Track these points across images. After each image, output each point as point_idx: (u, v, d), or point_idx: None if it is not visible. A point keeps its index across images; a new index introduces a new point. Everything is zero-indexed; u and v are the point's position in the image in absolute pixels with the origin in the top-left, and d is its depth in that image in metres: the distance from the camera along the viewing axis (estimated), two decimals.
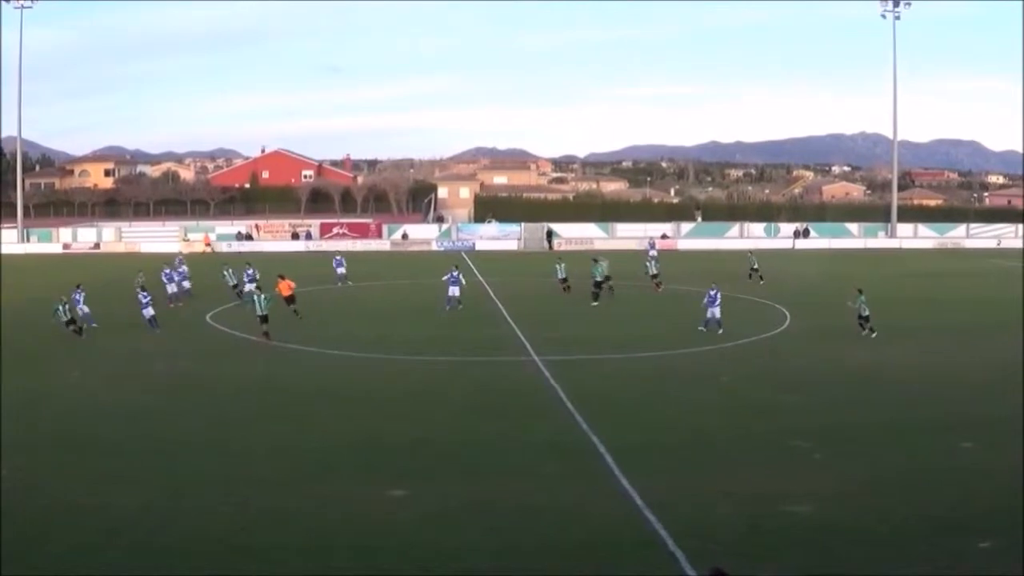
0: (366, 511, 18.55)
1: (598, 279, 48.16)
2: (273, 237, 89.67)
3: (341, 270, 57.90)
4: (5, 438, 23.02)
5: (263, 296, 38.41)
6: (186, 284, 50.58)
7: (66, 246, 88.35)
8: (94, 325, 40.43)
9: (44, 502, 18.75)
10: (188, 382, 30.72)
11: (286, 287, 42.43)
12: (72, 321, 38.43)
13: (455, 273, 45.82)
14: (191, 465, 21.43)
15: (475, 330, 40.31)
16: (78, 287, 41.80)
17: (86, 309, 41.09)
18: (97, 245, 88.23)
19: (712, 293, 39.05)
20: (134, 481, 20.24)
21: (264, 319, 37.37)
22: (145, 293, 41.04)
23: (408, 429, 24.44)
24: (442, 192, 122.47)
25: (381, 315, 45.64)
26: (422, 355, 34.89)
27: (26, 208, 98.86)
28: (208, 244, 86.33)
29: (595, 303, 46.97)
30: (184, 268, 53.21)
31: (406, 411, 26.70)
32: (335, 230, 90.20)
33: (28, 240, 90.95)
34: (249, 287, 45.58)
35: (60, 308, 38.14)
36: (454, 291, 44.99)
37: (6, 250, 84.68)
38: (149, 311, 40.23)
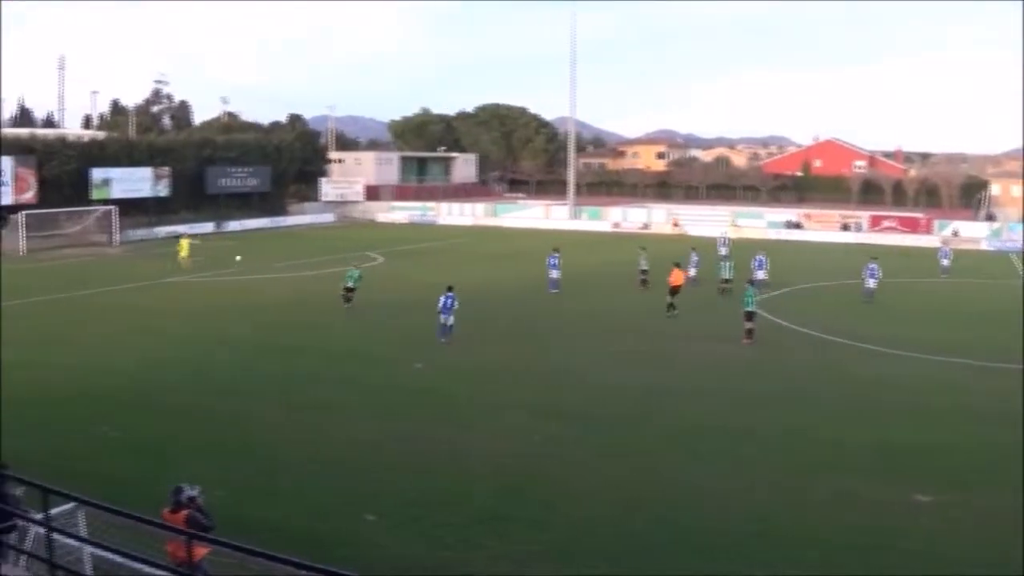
0: (886, 512, 18.38)
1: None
2: (822, 227, 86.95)
3: (945, 262, 56.32)
4: (543, 407, 25.94)
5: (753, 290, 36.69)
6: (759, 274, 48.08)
7: (615, 225, 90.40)
8: (555, 291, 45.38)
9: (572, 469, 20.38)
10: (723, 366, 31.64)
11: (677, 277, 41.58)
12: (351, 289, 41.25)
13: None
14: (714, 446, 22.56)
15: (1000, 334, 37.37)
16: (555, 250, 47.38)
17: (555, 275, 45.97)
18: (646, 226, 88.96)
19: None
20: (661, 456, 21.76)
21: (749, 316, 35.50)
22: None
23: (928, 432, 24.02)
24: (994, 189, 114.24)
25: (908, 313, 43.36)
26: (940, 356, 33.05)
27: (577, 187, 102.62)
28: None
29: None
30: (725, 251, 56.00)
31: (924, 412, 25.91)
32: (885, 223, 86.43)
33: (578, 217, 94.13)
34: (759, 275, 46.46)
35: (354, 273, 41.93)
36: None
37: (558, 226, 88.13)
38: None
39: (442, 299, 34.33)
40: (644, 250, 50.19)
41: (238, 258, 58.27)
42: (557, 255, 47.13)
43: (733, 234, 79.47)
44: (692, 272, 48.97)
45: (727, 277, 46.42)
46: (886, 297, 45.63)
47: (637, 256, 49.77)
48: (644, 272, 48.14)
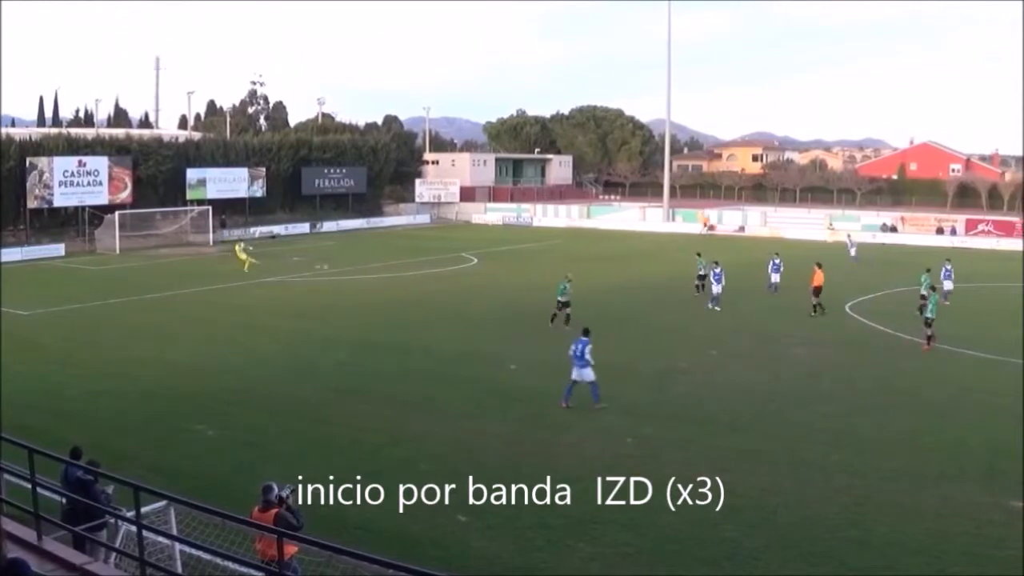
0: (984, 519, 17.99)
1: None
2: (917, 230, 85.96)
3: None
4: (640, 408, 25.82)
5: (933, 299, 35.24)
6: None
7: (711, 228, 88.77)
8: (717, 308, 41.88)
9: (667, 471, 19.70)
10: (823, 369, 31.09)
11: (819, 277, 41.18)
12: (566, 304, 37.49)
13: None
14: (815, 450, 22.17)
15: None
16: (715, 263, 43.84)
17: (717, 289, 42.50)
18: (741, 228, 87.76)
19: None
20: (759, 460, 21.36)
21: (928, 323, 34.38)
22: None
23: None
24: None
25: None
26: None
27: (672, 189, 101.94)
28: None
29: None
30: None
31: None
32: (980, 227, 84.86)
33: (673, 220, 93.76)
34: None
35: (565, 286, 37.98)
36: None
37: (653, 228, 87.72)
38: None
39: (573, 346, 25.70)
40: (700, 256, 48.07)
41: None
42: (720, 269, 43.37)
43: (830, 238, 78.23)
44: (775, 278, 46.93)
45: (925, 293, 38.79)
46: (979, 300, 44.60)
47: (695, 261, 47.55)
48: (701, 278, 46.26)
